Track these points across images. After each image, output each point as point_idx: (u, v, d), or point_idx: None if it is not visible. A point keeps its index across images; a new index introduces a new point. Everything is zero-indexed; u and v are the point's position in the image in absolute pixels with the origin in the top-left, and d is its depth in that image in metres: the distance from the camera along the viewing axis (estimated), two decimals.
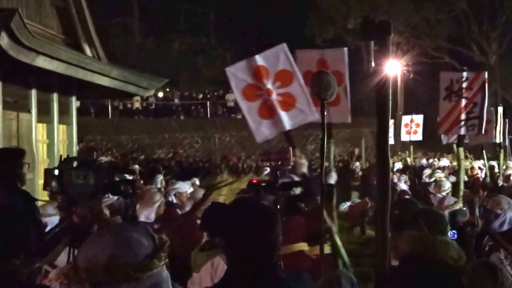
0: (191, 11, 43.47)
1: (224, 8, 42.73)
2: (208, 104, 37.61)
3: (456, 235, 5.46)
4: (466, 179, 12.38)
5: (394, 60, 28.25)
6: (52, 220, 5.94)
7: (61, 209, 6.12)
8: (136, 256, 1.96)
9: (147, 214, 6.85)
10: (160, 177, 12.56)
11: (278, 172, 6.11)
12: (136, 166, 17.07)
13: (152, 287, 1.99)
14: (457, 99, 9.67)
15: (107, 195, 5.50)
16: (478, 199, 9.75)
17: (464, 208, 7.28)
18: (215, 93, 38.92)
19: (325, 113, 5.98)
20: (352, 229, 14.30)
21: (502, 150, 15.14)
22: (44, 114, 12.01)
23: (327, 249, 6.56)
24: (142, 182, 13.27)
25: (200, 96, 38.48)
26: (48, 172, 4.16)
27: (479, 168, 15.67)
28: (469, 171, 14.55)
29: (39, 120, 11.68)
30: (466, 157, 13.41)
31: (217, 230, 2.72)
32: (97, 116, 33.84)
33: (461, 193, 9.50)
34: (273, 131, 6.80)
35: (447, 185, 9.68)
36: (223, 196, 7.01)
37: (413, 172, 17.79)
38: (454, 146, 10.59)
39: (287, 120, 6.71)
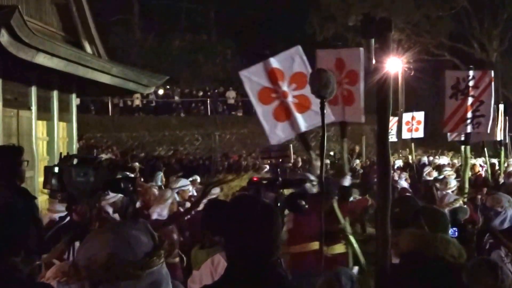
0: (191, 9, 43.47)
1: (224, 5, 42.71)
2: (208, 101, 37.59)
3: (457, 233, 5.46)
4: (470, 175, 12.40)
5: (395, 57, 28.28)
6: (60, 216, 5.95)
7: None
8: (135, 254, 1.96)
9: (159, 212, 6.87)
10: (160, 174, 12.57)
11: (278, 169, 6.10)
12: (137, 164, 17.07)
13: (151, 285, 1.99)
14: (463, 97, 9.76)
15: (106, 192, 5.51)
16: (481, 197, 9.78)
17: (465, 206, 7.27)
18: (216, 91, 38.90)
19: (325, 112, 6.01)
20: (352, 226, 14.28)
21: (502, 148, 15.15)
22: (44, 112, 12.00)
23: (341, 248, 6.63)
24: (142, 179, 13.29)
25: (201, 93, 38.45)
26: (48, 170, 4.15)
27: (480, 165, 15.70)
28: (471, 168, 14.56)
29: (39, 118, 11.66)
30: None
31: (217, 228, 2.72)
32: (97, 113, 33.82)
33: (466, 191, 9.57)
34: (289, 133, 6.85)
35: (453, 183, 9.69)
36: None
37: (414, 170, 17.76)
38: (462, 145, 10.65)
39: (302, 122, 6.76)
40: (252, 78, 6.85)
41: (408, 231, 3.84)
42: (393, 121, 19.58)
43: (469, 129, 9.74)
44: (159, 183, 11.36)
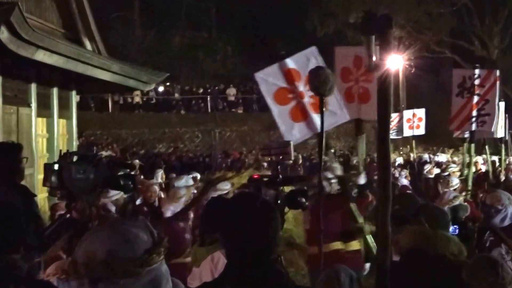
0: (192, 5, 43.42)
1: (225, 2, 42.66)
2: (208, 98, 37.59)
3: (457, 230, 5.46)
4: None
5: (396, 54, 28.22)
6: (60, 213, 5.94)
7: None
8: (135, 251, 1.95)
9: (173, 210, 6.86)
10: (161, 172, 12.55)
11: (279, 167, 6.12)
12: (137, 161, 17.07)
13: (151, 282, 1.98)
14: (469, 95, 9.87)
15: (106, 190, 5.49)
16: (481, 194, 9.80)
17: (465, 203, 7.26)
18: (216, 88, 38.91)
19: (323, 109, 6.05)
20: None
21: (503, 145, 15.17)
22: (44, 108, 11.99)
23: (356, 245, 6.71)
24: (142, 176, 13.29)
25: (201, 90, 38.45)
26: (48, 167, 4.14)
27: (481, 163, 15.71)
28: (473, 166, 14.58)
29: (39, 115, 11.65)
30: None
31: (217, 225, 2.71)
32: (97, 110, 33.84)
33: (469, 188, 9.61)
34: (305, 134, 6.89)
35: (454, 182, 9.68)
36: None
37: (414, 167, 17.76)
38: (466, 143, 10.75)
39: (319, 122, 6.76)
40: (268, 79, 6.87)
41: (409, 229, 3.83)
42: (396, 118, 19.50)
43: (473, 127, 9.85)
44: (159, 180, 11.34)
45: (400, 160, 20.52)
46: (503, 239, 5.38)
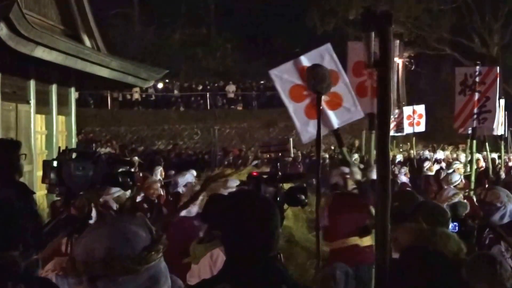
0: (191, 2, 43.34)
1: None
2: (208, 95, 37.57)
3: (457, 228, 5.45)
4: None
5: (396, 51, 28.19)
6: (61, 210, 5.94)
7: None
8: (134, 249, 1.95)
9: (189, 209, 6.84)
10: (160, 169, 12.53)
11: (278, 164, 6.16)
12: (136, 158, 17.04)
13: (150, 279, 1.98)
14: (470, 93, 9.97)
15: (108, 187, 5.49)
16: (480, 191, 9.81)
17: (465, 200, 7.26)
18: (215, 85, 38.88)
19: (320, 107, 6.10)
20: None
21: (502, 142, 15.17)
22: (43, 105, 11.98)
23: (370, 241, 6.88)
24: (141, 174, 13.27)
25: (200, 87, 38.41)
26: (47, 164, 4.14)
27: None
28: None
29: (38, 111, 11.65)
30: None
31: (216, 222, 2.71)
32: (96, 107, 33.80)
33: (472, 185, 9.64)
34: (321, 131, 6.91)
35: (454, 178, 9.67)
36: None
37: (414, 164, 17.74)
38: (468, 139, 10.85)
39: (334, 119, 6.86)
40: (283, 76, 6.89)
41: (408, 226, 3.83)
42: (399, 115, 19.42)
43: (475, 124, 9.95)
44: (158, 178, 11.32)
45: (400, 157, 20.48)
46: (502, 237, 5.38)
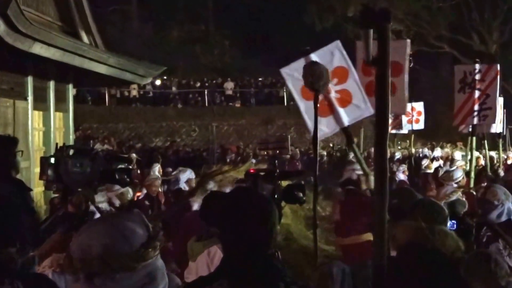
0: None
1: None
2: (206, 92, 37.53)
3: (455, 225, 5.45)
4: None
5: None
6: (99, 207, 5.95)
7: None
8: (131, 246, 1.95)
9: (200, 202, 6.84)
10: (158, 166, 12.53)
11: (276, 161, 6.21)
12: (134, 155, 17.04)
13: (147, 276, 1.98)
14: (470, 90, 10.04)
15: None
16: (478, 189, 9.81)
17: (463, 198, 7.27)
18: (213, 81, 38.85)
19: (317, 104, 6.13)
20: None
21: (501, 140, 15.19)
22: (40, 102, 11.95)
23: None
24: (139, 171, 13.27)
25: (198, 84, 38.36)
26: (44, 160, 4.13)
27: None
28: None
29: (35, 108, 11.62)
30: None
31: (214, 219, 2.71)
32: (94, 104, 33.74)
33: (472, 183, 9.66)
34: (332, 128, 7.02)
35: (457, 175, 9.65)
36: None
37: (412, 162, 17.73)
38: (469, 137, 10.91)
39: (345, 116, 6.93)
40: (294, 74, 6.93)
41: (405, 224, 3.83)
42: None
43: (475, 121, 10.04)
44: (156, 174, 11.31)
45: (398, 155, 20.44)
46: (500, 235, 5.38)
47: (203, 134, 33.89)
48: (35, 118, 11.76)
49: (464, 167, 12.21)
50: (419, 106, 19.54)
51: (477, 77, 10.09)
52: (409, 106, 19.70)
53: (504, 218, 5.70)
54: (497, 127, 13.88)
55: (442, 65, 37.45)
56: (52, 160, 4.02)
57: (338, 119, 6.88)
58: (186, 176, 8.69)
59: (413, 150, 20.16)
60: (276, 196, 3.68)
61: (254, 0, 41.36)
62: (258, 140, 24.65)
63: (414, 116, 19.03)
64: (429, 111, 20.86)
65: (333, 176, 18.77)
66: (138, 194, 9.27)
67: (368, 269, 4.86)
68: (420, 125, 19.36)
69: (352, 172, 7.53)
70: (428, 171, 14.92)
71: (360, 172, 7.35)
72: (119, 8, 40.18)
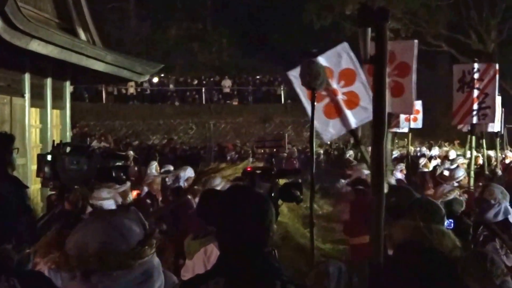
0: None
1: None
2: (203, 90, 37.53)
3: (453, 224, 5.45)
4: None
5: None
6: (106, 204, 5.95)
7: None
8: (128, 243, 1.94)
9: None
10: (155, 164, 12.49)
11: (273, 159, 6.25)
12: (131, 152, 17.01)
13: (143, 274, 1.97)
14: (469, 90, 10.09)
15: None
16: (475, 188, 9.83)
17: (461, 197, 7.27)
18: (211, 79, 38.84)
19: (315, 103, 6.15)
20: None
21: (498, 139, 15.20)
22: (37, 99, 11.91)
23: None
24: (136, 168, 13.25)
25: (196, 82, 38.36)
26: (41, 158, 4.12)
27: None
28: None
29: (32, 105, 11.59)
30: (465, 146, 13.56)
31: (210, 217, 2.71)
32: (91, 101, 33.74)
33: (472, 182, 9.69)
34: (340, 130, 7.07)
35: (458, 174, 9.65)
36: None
37: (409, 161, 17.72)
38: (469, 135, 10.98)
39: (352, 118, 6.99)
40: None
41: (402, 222, 3.83)
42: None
43: (475, 120, 10.10)
44: (154, 172, 11.30)
45: (396, 154, 20.41)
46: (497, 234, 5.38)
47: (201, 132, 33.90)
48: (32, 115, 11.72)
49: (465, 165, 12.23)
50: (417, 104, 19.39)
51: (476, 76, 10.15)
52: None
53: (501, 217, 5.70)
54: (495, 126, 13.89)
55: (440, 63, 37.43)
56: (49, 157, 4.02)
57: (345, 121, 6.92)
58: (187, 174, 8.74)
59: (412, 149, 20.16)
60: (273, 194, 3.68)
61: None
62: (256, 139, 24.68)
63: (412, 114, 18.97)
64: (427, 110, 20.82)
65: (330, 175, 18.81)
66: (137, 192, 9.27)
67: None
68: (418, 124, 19.30)
69: (362, 173, 7.57)
70: (426, 170, 14.92)
71: (368, 172, 7.38)
72: (117, 6, 40.09)
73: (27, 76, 11.29)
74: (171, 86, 37.84)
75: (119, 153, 10.02)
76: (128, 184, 7.45)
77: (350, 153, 22.32)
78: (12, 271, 2.78)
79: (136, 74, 14.26)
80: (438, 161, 17.10)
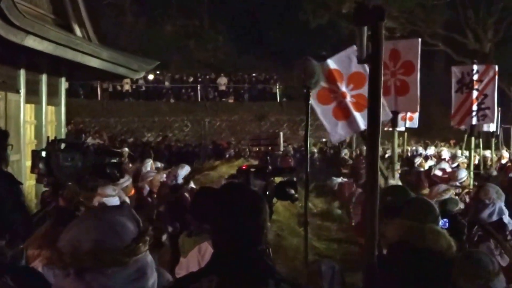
0: None
1: None
2: (199, 87, 37.50)
3: (447, 224, 5.46)
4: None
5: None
6: (110, 201, 5.94)
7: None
8: (122, 241, 1.94)
9: None
10: (150, 162, 12.47)
11: (268, 157, 6.29)
12: (126, 149, 16.99)
13: (137, 271, 1.97)
14: (468, 91, 10.15)
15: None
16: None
17: (456, 197, 7.29)
18: (207, 77, 38.80)
19: (309, 101, 6.20)
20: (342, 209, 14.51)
21: (494, 139, 15.25)
22: (32, 95, 11.88)
23: None
24: (130, 165, 13.22)
25: (191, 79, 38.32)
26: (35, 154, 4.11)
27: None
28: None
29: (27, 101, 11.55)
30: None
31: (204, 215, 2.70)
32: (86, 97, 33.69)
33: (471, 182, 9.72)
34: (348, 131, 7.20)
35: (461, 175, 9.63)
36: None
37: (405, 160, 17.74)
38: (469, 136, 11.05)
39: (361, 121, 7.06)
40: None
41: (396, 222, 3.83)
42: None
43: (474, 121, 10.15)
44: (149, 170, 11.28)
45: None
46: (491, 234, 5.39)
47: (196, 129, 33.88)
48: (27, 111, 11.70)
49: (466, 164, 12.26)
50: None
51: (475, 77, 10.20)
52: None
53: (495, 217, 5.71)
54: (491, 126, 13.94)
55: (436, 63, 37.47)
56: (43, 153, 4.00)
57: (353, 123, 7.01)
58: (185, 172, 8.77)
59: (408, 148, 20.20)
60: (268, 192, 3.68)
61: None
62: (251, 137, 24.63)
63: (408, 114, 18.98)
64: (423, 109, 20.85)
65: (325, 173, 18.85)
66: (136, 189, 9.26)
67: None
68: (414, 123, 19.32)
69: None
70: (421, 169, 14.92)
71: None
72: (113, 2, 40.02)
73: (22, 72, 11.25)
74: (167, 83, 37.79)
75: (114, 150, 10.02)
76: (130, 179, 7.46)
77: (345, 152, 22.36)
78: (5, 267, 2.77)
79: (132, 71, 14.23)
80: (434, 160, 17.12)
